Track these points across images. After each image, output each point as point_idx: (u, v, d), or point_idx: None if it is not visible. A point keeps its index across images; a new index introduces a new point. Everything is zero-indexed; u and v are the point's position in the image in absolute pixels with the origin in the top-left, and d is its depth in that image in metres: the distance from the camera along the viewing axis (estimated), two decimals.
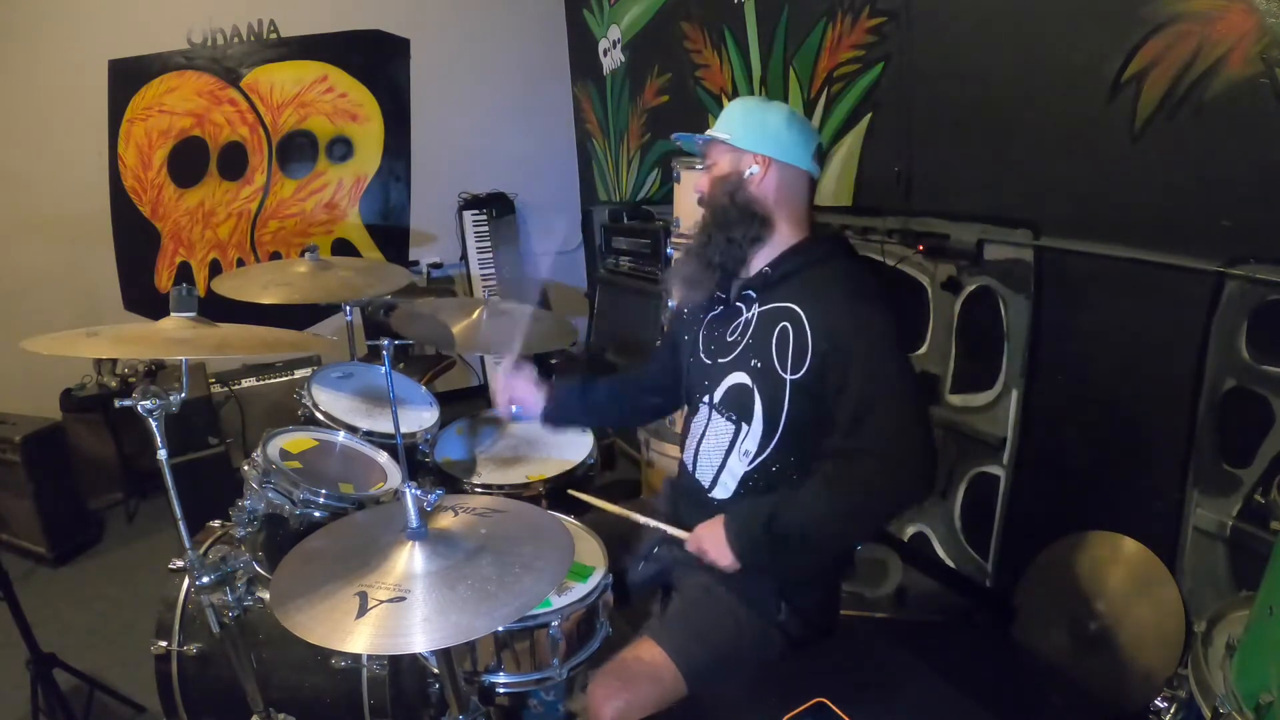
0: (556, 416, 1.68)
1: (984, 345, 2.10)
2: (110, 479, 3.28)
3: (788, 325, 1.33)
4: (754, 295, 1.40)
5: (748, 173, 1.38)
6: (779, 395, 1.33)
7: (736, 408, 1.40)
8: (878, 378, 1.25)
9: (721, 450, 1.43)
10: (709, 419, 1.45)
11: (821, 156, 1.43)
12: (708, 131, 1.43)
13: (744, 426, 1.38)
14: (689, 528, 1.42)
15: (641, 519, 1.43)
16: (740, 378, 1.39)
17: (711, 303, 1.48)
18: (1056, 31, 1.79)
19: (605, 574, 1.36)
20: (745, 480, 1.39)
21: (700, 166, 1.50)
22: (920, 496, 1.27)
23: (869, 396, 1.24)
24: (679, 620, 1.38)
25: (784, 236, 1.40)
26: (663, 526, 1.41)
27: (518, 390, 1.68)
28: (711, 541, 1.32)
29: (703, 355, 1.48)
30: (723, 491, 1.43)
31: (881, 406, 1.23)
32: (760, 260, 1.40)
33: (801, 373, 1.30)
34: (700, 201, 1.45)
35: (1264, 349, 1.51)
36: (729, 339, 1.43)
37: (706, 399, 1.46)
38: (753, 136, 1.38)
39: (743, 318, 1.41)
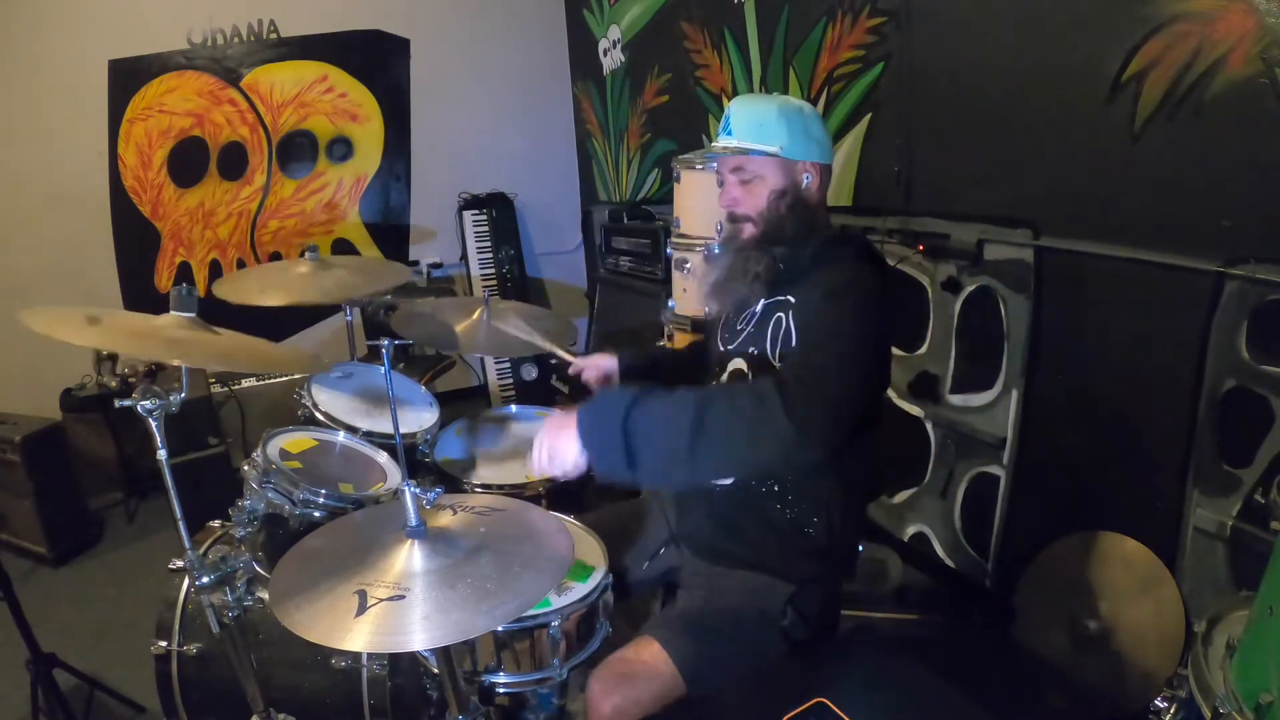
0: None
1: (984, 345, 2.10)
2: (110, 479, 3.27)
3: (782, 316, 1.34)
4: (764, 288, 1.40)
5: (804, 184, 1.37)
6: None
7: None
8: (825, 335, 1.23)
9: None
10: None
11: None
12: (755, 146, 1.35)
13: None
14: (697, 522, 1.45)
15: (541, 342, 1.44)
16: (739, 364, 1.41)
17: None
18: (1056, 31, 1.79)
19: (605, 574, 1.36)
20: None
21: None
22: (794, 454, 1.10)
23: (807, 345, 1.25)
24: (680, 620, 1.38)
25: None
26: (555, 349, 1.41)
27: (601, 362, 1.69)
28: (557, 433, 1.13)
29: (719, 341, 1.51)
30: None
31: (815, 358, 1.20)
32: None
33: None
34: (735, 217, 1.41)
35: (1264, 349, 1.51)
36: (738, 327, 1.45)
37: (714, 384, 1.47)
38: (802, 146, 1.36)
39: (752, 308, 1.43)
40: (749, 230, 1.40)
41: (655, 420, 1.10)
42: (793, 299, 1.34)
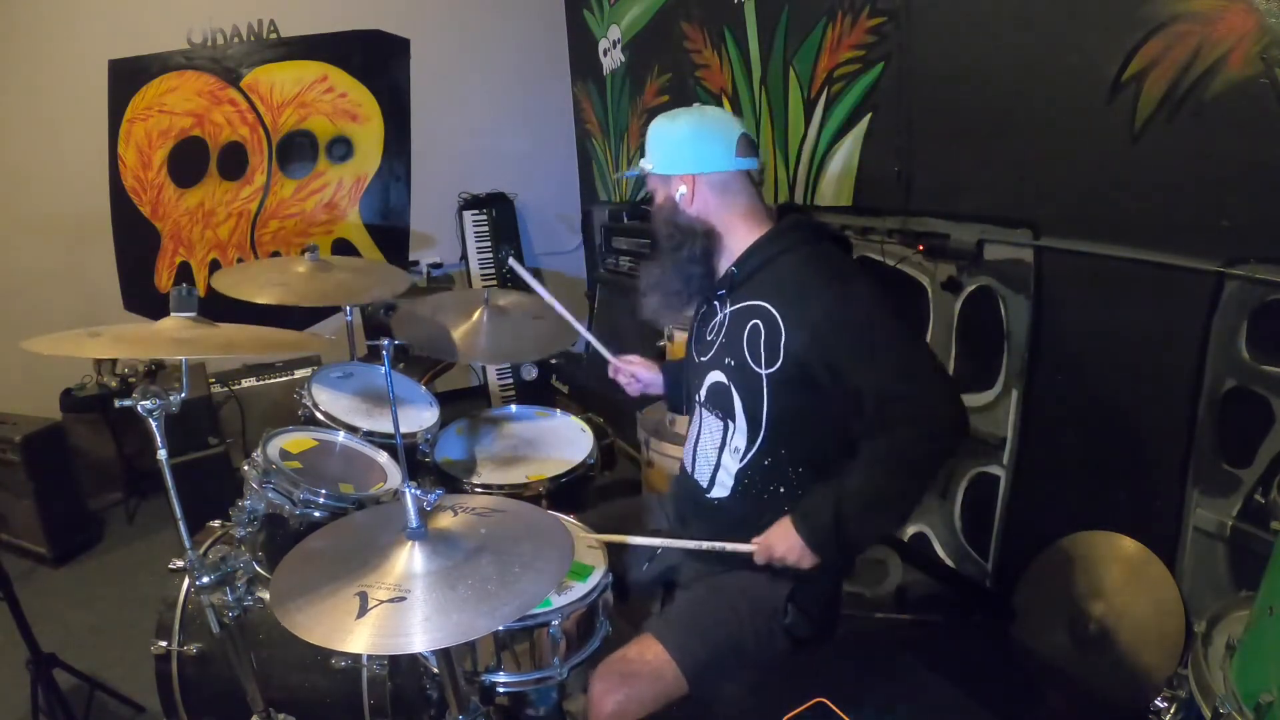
0: (678, 401, 1.70)
1: (984, 345, 2.10)
2: (110, 479, 3.28)
3: (758, 322, 1.33)
4: (725, 294, 1.42)
5: (678, 196, 1.39)
6: (757, 391, 1.34)
7: (720, 405, 1.41)
8: (875, 354, 1.25)
9: (715, 448, 1.43)
10: (701, 417, 1.47)
11: (750, 144, 1.40)
12: (638, 165, 1.44)
13: (729, 424, 1.40)
14: (696, 535, 1.44)
15: (697, 544, 1.40)
16: (717, 376, 1.41)
17: (700, 301, 1.50)
18: (1056, 31, 1.79)
19: (605, 573, 1.36)
20: (740, 477, 1.40)
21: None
22: (961, 435, 1.26)
23: (878, 376, 1.24)
24: (682, 619, 1.38)
25: (741, 237, 1.40)
26: (722, 545, 1.38)
27: (640, 373, 1.72)
28: (785, 545, 1.30)
29: (694, 353, 1.50)
30: (721, 490, 1.43)
31: (892, 379, 1.24)
32: (726, 262, 1.42)
33: (777, 367, 1.31)
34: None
35: (1264, 349, 1.51)
36: (708, 338, 1.45)
37: (697, 397, 1.48)
38: (669, 159, 1.39)
39: (718, 317, 1.43)
40: (656, 244, 1.46)
41: (859, 517, 1.26)
42: (769, 305, 1.32)
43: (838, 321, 1.26)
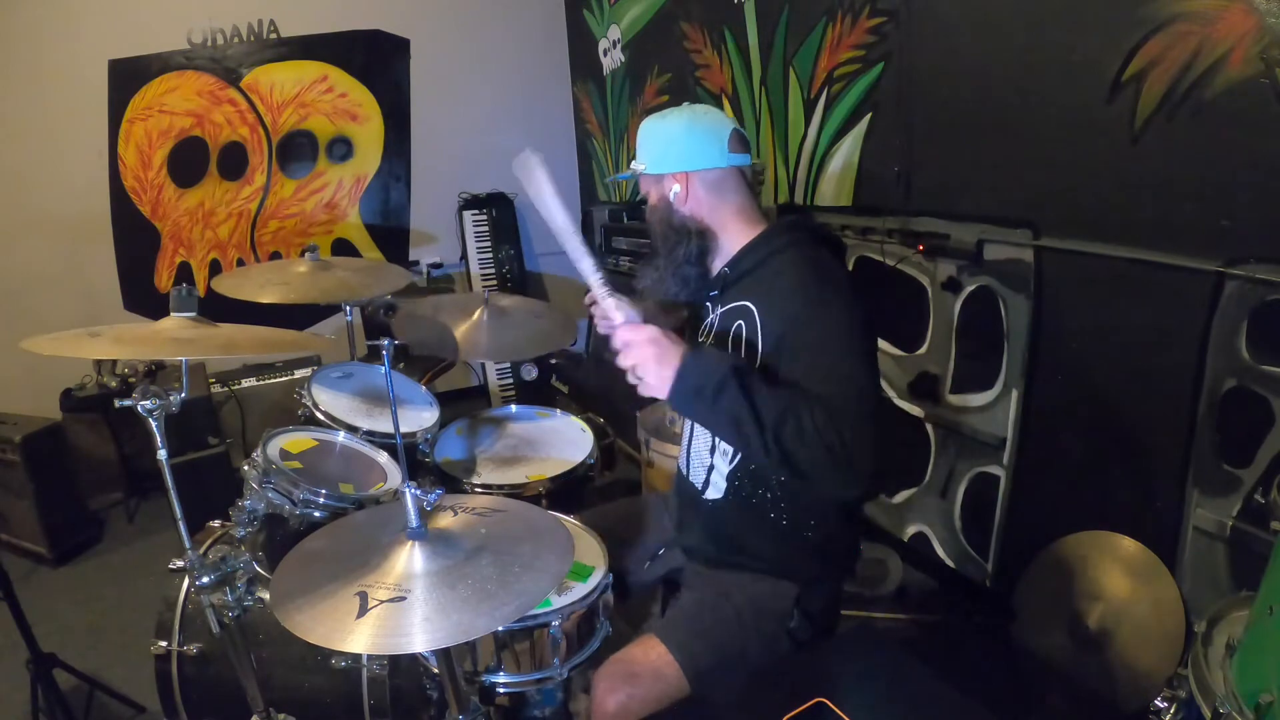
0: None
1: (984, 345, 2.10)
2: (110, 479, 3.28)
3: (741, 323, 1.32)
4: (717, 295, 1.41)
5: (671, 195, 1.37)
6: None
7: None
8: (828, 371, 1.16)
9: (707, 449, 1.43)
10: None
11: (742, 140, 1.38)
12: (630, 166, 1.42)
13: None
14: (697, 537, 1.44)
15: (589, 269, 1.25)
16: None
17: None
18: (1056, 31, 1.79)
19: (605, 573, 1.36)
20: (731, 479, 1.39)
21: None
22: (848, 492, 1.18)
23: (828, 393, 1.14)
24: (686, 620, 1.38)
25: (735, 236, 1.38)
26: (608, 294, 1.24)
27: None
28: (654, 359, 1.16)
29: None
30: (714, 492, 1.43)
31: (839, 407, 1.12)
32: (720, 262, 1.40)
33: (756, 368, 1.28)
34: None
35: (1264, 349, 1.51)
36: (699, 340, 1.44)
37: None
38: (661, 158, 1.37)
39: (709, 319, 1.42)
40: (652, 247, 1.43)
41: (743, 402, 1.11)
42: (751, 305, 1.31)
43: (799, 329, 1.22)
